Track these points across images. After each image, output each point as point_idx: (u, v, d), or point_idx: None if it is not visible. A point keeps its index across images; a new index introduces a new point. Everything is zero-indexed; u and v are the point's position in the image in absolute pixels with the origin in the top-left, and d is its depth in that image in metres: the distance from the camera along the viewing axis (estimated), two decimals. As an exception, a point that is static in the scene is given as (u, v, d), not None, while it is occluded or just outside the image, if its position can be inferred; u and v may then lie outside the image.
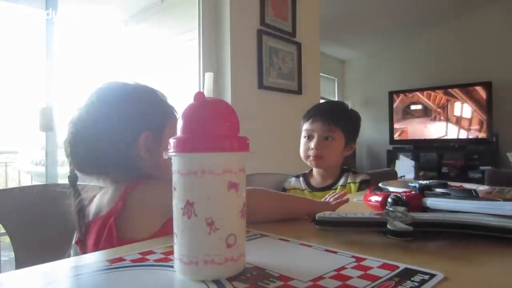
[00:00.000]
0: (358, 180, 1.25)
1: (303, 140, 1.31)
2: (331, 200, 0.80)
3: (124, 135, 0.68)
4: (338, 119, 1.26)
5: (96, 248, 0.64)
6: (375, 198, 0.76)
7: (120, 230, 0.63)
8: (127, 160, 0.68)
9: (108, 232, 0.63)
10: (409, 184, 0.80)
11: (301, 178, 1.34)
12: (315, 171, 1.33)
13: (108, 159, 0.68)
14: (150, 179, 0.69)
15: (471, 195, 0.71)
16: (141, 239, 0.60)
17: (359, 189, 1.23)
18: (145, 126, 0.69)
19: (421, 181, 0.79)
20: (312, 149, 1.25)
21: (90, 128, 0.69)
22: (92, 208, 0.72)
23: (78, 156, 0.70)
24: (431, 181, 0.79)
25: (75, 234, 0.78)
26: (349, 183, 1.26)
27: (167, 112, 0.74)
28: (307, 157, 1.28)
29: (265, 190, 0.72)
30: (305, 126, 1.30)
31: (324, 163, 1.26)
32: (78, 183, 0.73)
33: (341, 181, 1.27)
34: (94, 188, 0.76)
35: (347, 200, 0.77)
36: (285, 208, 0.71)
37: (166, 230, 0.62)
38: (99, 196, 0.73)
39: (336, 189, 1.25)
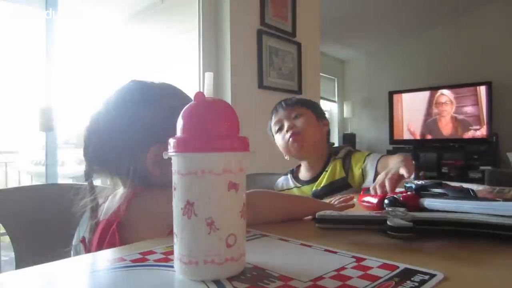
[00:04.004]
0: (339, 156, 1.21)
1: (277, 135, 1.26)
2: (336, 203, 0.80)
3: (135, 142, 0.66)
4: (296, 100, 1.27)
5: (99, 249, 0.63)
6: (371, 200, 0.76)
7: (123, 236, 0.61)
8: (135, 168, 0.66)
9: (110, 237, 0.62)
10: (404, 184, 0.79)
11: (289, 175, 1.31)
12: (302, 164, 1.29)
13: (117, 162, 0.67)
14: (157, 187, 0.66)
15: (469, 195, 0.71)
16: None
17: (344, 164, 1.19)
18: (158, 138, 0.63)
19: (415, 181, 0.78)
20: (287, 131, 1.20)
21: (104, 127, 0.67)
22: (103, 208, 0.71)
23: (89, 153, 0.68)
24: (426, 181, 0.78)
25: (76, 234, 0.77)
26: (333, 161, 1.21)
27: None
28: (287, 146, 1.21)
29: (270, 191, 0.72)
30: (272, 122, 1.28)
31: (304, 139, 1.19)
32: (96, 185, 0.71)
33: (328, 168, 1.21)
34: (108, 189, 0.74)
35: (352, 206, 0.77)
36: (291, 208, 0.70)
37: None
38: (111, 197, 0.72)
39: (324, 177, 1.19)
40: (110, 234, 0.62)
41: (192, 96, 0.41)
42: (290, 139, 1.19)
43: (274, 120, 1.27)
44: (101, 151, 0.67)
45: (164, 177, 0.64)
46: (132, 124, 0.67)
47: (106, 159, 0.68)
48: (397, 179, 0.84)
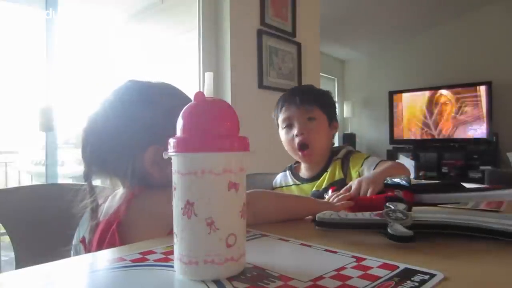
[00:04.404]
0: (339, 157, 1.18)
1: (283, 132, 1.18)
2: (335, 200, 0.80)
3: (134, 142, 0.65)
4: (312, 98, 1.17)
5: (99, 250, 0.63)
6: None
7: (123, 236, 0.61)
8: (134, 168, 0.66)
9: (110, 237, 0.62)
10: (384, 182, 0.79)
11: (287, 172, 1.28)
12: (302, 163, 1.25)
13: (115, 162, 0.66)
14: (157, 187, 0.66)
15: (460, 186, 0.72)
16: None
17: (343, 165, 1.16)
18: (157, 138, 0.63)
19: (391, 179, 0.79)
20: (296, 136, 1.13)
21: (102, 127, 0.67)
22: (103, 208, 0.70)
23: (88, 154, 0.68)
24: (401, 177, 0.78)
25: (76, 234, 0.77)
26: (334, 162, 1.18)
27: None
28: (294, 149, 1.16)
29: (270, 192, 0.72)
30: (281, 117, 1.18)
31: (312, 151, 1.14)
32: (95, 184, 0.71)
33: (329, 168, 1.19)
34: (108, 189, 0.74)
35: (352, 204, 0.76)
36: (291, 209, 0.70)
37: None
38: (111, 197, 0.71)
39: (325, 178, 1.17)
40: (110, 234, 0.62)
41: (192, 96, 0.41)
42: (300, 153, 1.15)
43: (283, 115, 1.17)
44: (100, 152, 0.67)
45: (164, 178, 0.64)
46: (130, 124, 0.66)
47: (105, 160, 0.67)
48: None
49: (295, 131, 1.14)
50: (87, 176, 0.69)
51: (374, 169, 1.06)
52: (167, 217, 0.61)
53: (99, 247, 0.63)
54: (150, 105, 0.68)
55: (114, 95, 0.70)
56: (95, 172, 0.70)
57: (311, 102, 1.15)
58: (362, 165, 1.12)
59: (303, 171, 1.25)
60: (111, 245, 0.61)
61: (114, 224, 0.62)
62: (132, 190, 0.65)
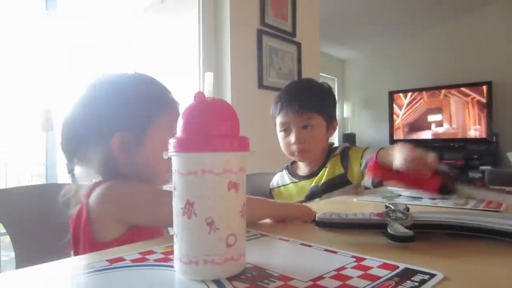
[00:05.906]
0: (337, 153, 1.18)
1: (280, 135, 1.19)
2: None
3: (99, 131, 0.67)
4: (311, 103, 1.14)
5: (76, 247, 0.64)
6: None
7: (91, 230, 0.63)
8: (101, 157, 0.67)
9: (83, 232, 0.63)
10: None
11: (284, 171, 1.27)
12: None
13: (86, 151, 0.68)
14: (119, 179, 0.66)
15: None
16: (108, 244, 0.60)
17: (343, 160, 1.16)
18: (124, 125, 0.65)
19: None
20: (293, 143, 1.14)
21: (73, 118, 0.69)
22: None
23: (62, 145, 0.70)
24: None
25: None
26: (332, 158, 1.18)
27: (157, 109, 0.69)
28: (291, 153, 1.18)
29: (260, 199, 0.70)
30: (279, 119, 1.18)
31: (309, 155, 1.17)
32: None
33: (327, 165, 1.19)
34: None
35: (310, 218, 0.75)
36: (277, 217, 0.69)
37: (131, 238, 0.60)
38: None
39: (324, 174, 1.17)
40: (83, 227, 0.63)
41: (191, 96, 0.41)
42: (296, 153, 1.16)
43: (281, 119, 1.17)
44: (72, 141, 0.69)
45: (131, 166, 0.66)
46: (99, 112, 0.67)
47: (77, 149, 0.69)
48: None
49: (292, 138, 1.15)
50: (69, 167, 0.71)
51: (376, 155, 1.03)
52: (126, 213, 0.60)
53: (75, 244, 0.64)
54: (120, 92, 0.69)
55: (87, 87, 0.71)
56: (75, 163, 0.71)
57: (310, 109, 1.13)
58: (362, 157, 1.12)
59: (301, 169, 1.25)
60: (83, 241, 0.62)
61: (83, 216, 0.63)
62: (95, 182, 0.66)
